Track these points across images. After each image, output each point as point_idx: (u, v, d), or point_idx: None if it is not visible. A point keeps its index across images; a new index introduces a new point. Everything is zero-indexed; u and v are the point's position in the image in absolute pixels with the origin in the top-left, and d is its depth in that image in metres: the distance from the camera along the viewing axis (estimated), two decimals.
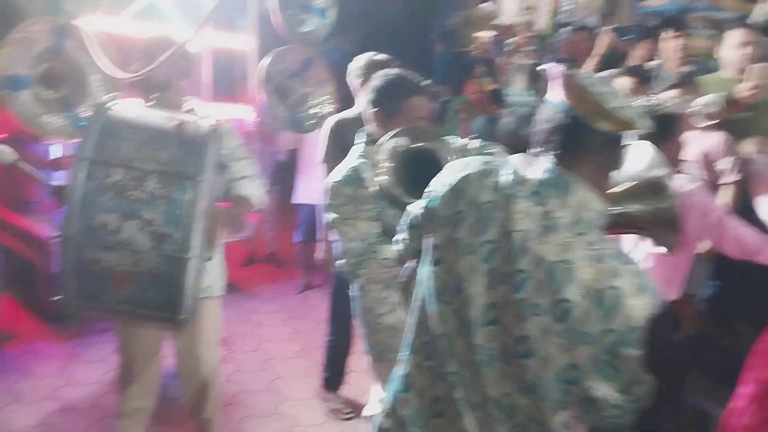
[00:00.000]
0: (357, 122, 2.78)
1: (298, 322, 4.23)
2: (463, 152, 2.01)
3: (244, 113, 4.39)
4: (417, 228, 1.45)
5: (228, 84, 4.71)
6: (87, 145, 1.80)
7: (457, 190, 1.30)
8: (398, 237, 1.61)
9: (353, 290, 2.19)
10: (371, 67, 2.76)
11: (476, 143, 2.17)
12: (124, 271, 1.77)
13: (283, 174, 4.92)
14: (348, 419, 3.09)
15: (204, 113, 2.30)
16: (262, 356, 3.73)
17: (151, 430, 2.78)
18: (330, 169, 2.82)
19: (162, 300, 1.83)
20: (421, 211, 1.40)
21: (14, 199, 4.02)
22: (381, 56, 2.87)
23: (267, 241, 5.27)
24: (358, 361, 3.40)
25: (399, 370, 1.43)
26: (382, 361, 2.14)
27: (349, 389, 3.27)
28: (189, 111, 2.33)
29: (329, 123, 3.00)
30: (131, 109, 2.01)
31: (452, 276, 1.27)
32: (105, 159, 1.80)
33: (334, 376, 3.20)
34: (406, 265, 1.71)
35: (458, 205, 1.28)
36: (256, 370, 3.56)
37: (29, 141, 3.71)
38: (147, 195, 1.77)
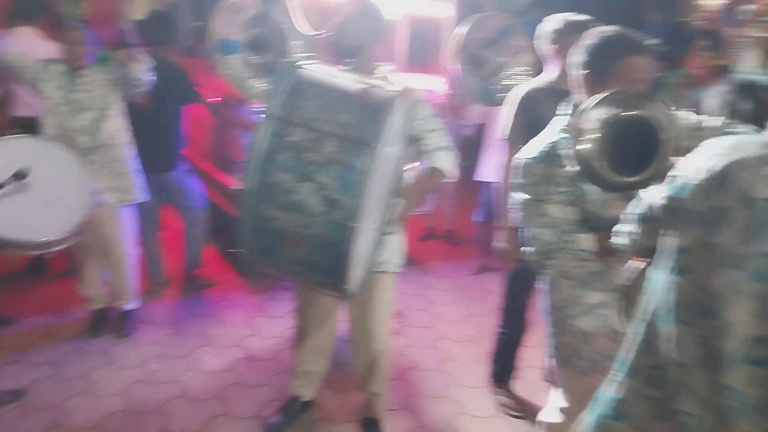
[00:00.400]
0: (548, 93, 2.48)
1: (472, 305, 4.08)
2: (697, 132, 1.65)
3: (435, 84, 4.28)
4: (654, 222, 1.17)
5: (422, 53, 4.62)
6: (274, 102, 1.79)
7: (721, 180, 0.98)
8: (623, 228, 1.34)
9: (542, 282, 1.95)
10: (567, 30, 2.42)
11: (716, 121, 1.77)
12: (296, 232, 1.74)
13: (469, 149, 4.74)
14: (517, 417, 2.86)
15: (396, 81, 2.20)
16: (434, 334, 3.65)
17: (322, 392, 2.86)
18: (513, 146, 2.57)
19: (329, 266, 1.79)
20: (664, 201, 1.11)
21: (222, 158, 4.39)
22: (579, 17, 2.46)
23: (446, 217, 5.17)
24: (537, 356, 3.15)
25: (609, 392, 1.19)
26: (567, 367, 1.89)
27: (522, 385, 3.04)
28: (382, 78, 2.25)
29: (516, 94, 2.62)
30: (322, 69, 1.97)
31: (702, 292, 0.98)
32: (288, 117, 1.78)
33: (503, 369, 2.98)
34: (629, 265, 1.43)
35: (721, 199, 0.97)
36: (427, 348, 3.48)
37: (237, 104, 3.97)
38: (323, 158, 1.72)
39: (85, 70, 3.05)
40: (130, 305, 3.46)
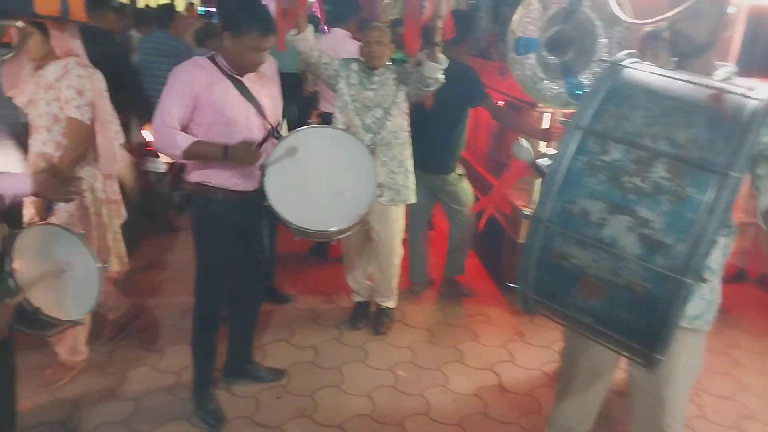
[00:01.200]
0: None
1: None
2: None
3: None
4: None
5: (762, 55, 3.72)
6: (586, 110, 1.42)
7: None
8: None
9: None
10: None
11: None
12: (597, 276, 1.35)
13: None
14: None
15: (743, 85, 1.65)
16: (738, 410, 2.88)
17: None
18: None
19: (637, 327, 1.35)
20: None
21: (499, 165, 4.11)
22: None
23: (764, 257, 4.14)
24: None
25: None
26: None
27: None
28: (725, 81, 1.72)
29: None
30: (652, 69, 1.53)
31: None
32: (605, 130, 1.39)
33: None
34: None
35: None
36: (727, 428, 2.74)
37: (524, 107, 3.65)
38: (649, 186, 1.29)
39: (378, 69, 3.05)
40: (389, 303, 3.43)
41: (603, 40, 3.08)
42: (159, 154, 3.56)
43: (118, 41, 4.34)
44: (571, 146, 1.39)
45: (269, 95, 2.52)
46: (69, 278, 2.01)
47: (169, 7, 4.83)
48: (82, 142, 2.55)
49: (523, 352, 3.26)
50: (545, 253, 1.41)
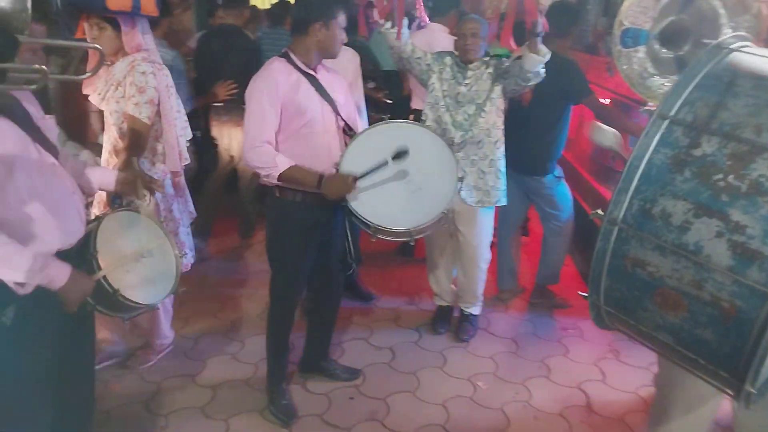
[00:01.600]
0: None
1: None
2: None
3: None
4: None
5: None
6: (674, 98, 1.24)
7: None
8: None
9: None
10: None
11: None
12: (677, 289, 1.16)
13: None
14: None
15: None
16: None
17: None
18: None
19: (724, 351, 1.15)
20: None
21: (602, 167, 3.83)
22: None
23: None
24: None
25: None
26: None
27: None
28: None
29: None
30: (765, 53, 1.31)
31: None
32: (696, 120, 1.20)
33: None
34: None
35: None
36: None
37: (632, 106, 3.36)
38: (746, 185, 1.09)
39: (473, 63, 2.92)
40: (473, 309, 3.28)
41: (727, 30, 2.75)
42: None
43: (251, 38, 4.48)
44: (653, 138, 1.21)
45: (342, 91, 2.48)
46: (148, 263, 2.07)
47: (285, 4, 4.93)
48: (138, 140, 2.47)
49: (616, 371, 2.98)
50: (618, 259, 1.24)
